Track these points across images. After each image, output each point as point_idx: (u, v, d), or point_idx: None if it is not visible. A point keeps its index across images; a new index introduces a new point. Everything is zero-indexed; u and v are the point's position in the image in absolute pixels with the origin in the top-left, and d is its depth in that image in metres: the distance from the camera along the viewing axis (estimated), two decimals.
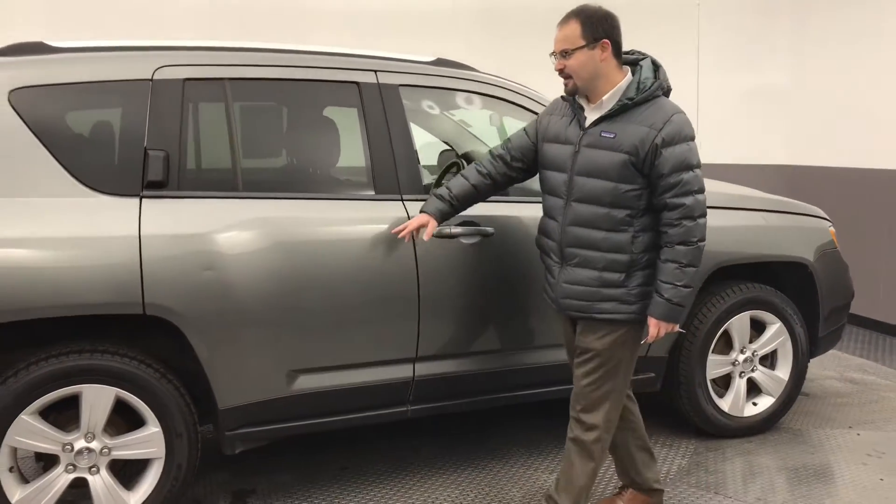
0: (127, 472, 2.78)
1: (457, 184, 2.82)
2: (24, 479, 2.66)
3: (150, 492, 2.72)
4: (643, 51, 2.62)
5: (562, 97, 2.68)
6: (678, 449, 3.65)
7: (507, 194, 3.10)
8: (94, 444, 2.63)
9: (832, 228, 4.01)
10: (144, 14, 5.83)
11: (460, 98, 3.42)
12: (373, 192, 2.97)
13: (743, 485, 3.30)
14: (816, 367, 4.77)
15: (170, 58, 2.79)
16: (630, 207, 2.51)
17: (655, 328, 2.54)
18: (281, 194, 2.89)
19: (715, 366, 3.64)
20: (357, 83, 3.01)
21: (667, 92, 2.57)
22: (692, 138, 2.50)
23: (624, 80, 2.53)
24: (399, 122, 3.04)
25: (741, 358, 3.70)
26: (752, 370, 3.74)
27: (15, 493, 2.56)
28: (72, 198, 2.58)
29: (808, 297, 3.86)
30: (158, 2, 5.93)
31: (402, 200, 2.97)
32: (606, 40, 2.48)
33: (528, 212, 3.09)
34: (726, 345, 3.69)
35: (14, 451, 2.56)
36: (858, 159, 5.83)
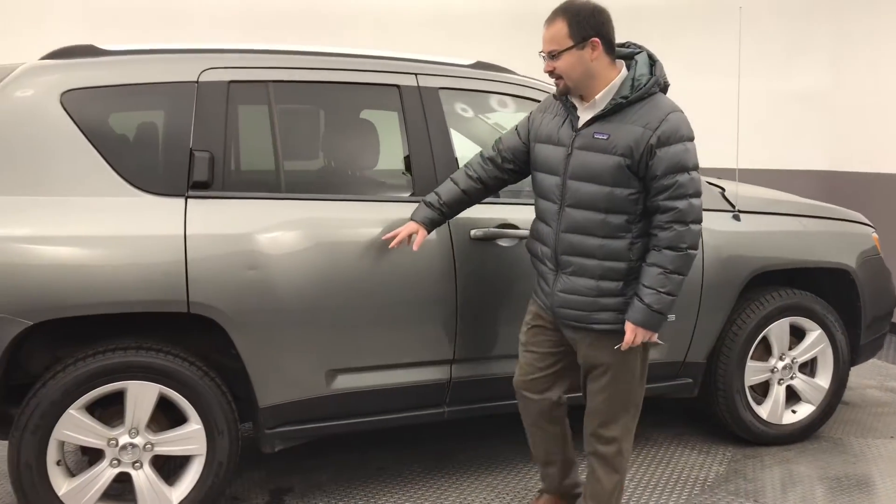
0: (168, 468, 2.82)
1: (446, 189, 2.73)
2: (71, 473, 2.71)
3: (191, 488, 2.75)
4: (640, 43, 2.47)
5: (554, 95, 2.56)
6: (715, 455, 3.61)
7: None
8: (138, 440, 2.68)
9: (875, 234, 3.95)
10: (182, 15, 5.92)
11: (499, 101, 3.43)
12: (412, 195, 2.99)
13: (782, 493, 3.26)
14: (855, 375, 4.69)
15: (215, 60, 2.84)
16: (627, 212, 2.38)
17: (632, 334, 2.40)
18: (323, 195, 2.92)
19: (753, 372, 3.59)
20: (398, 86, 3.03)
21: (664, 88, 2.43)
22: (690, 139, 2.36)
23: (618, 77, 2.39)
24: (438, 124, 3.05)
25: (780, 365, 3.66)
26: (792, 377, 3.69)
27: (62, 485, 2.62)
28: (120, 197, 2.64)
29: (849, 305, 3.80)
30: (194, 5, 6.02)
31: None
32: (596, 38, 2.34)
33: None
34: (765, 351, 3.65)
35: (62, 444, 2.62)
36: None
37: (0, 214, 2.51)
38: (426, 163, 3.00)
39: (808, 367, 3.77)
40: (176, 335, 2.78)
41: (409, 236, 2.72)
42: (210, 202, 2.71)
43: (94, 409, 2.66)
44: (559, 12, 2.37)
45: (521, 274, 3.04)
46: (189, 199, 2.69)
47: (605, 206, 2.39)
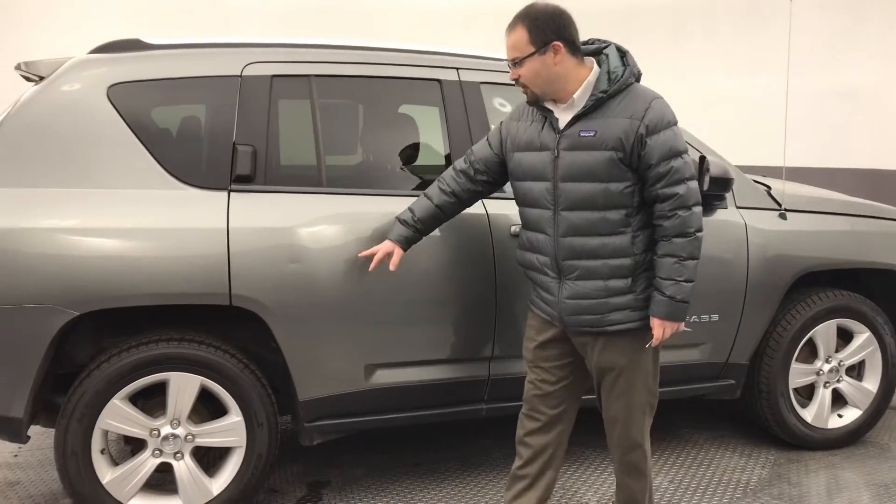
0: (208, 459, 2.85)
1: (420, 206, 2.66)
2: (115, 462, 2.75)
3: (230, 479, 2.78)
4: (606, 38, 2.43)
5: (527, 102, 2.48)
6: (757, 459, 3.54)
7: None
8: (180, 431, 2.71)
9: None
10: (226, 8, 5.98)
11: None
12: None
13: (828, 499, 3.18)
14: None
15: (258, 55, 2.85)
16: (625, 206, 2.34)
17: (660, 329, 2.36)
18: (364, 190, 2.93)
19: (798, 375, 3.52)
20: (439, 80, 3.02)
21: (638, 77, 2.38)
22: (675, 123, 2.33)
23: (591, 73, 2.35)
24: (479, 119, 3.03)
25: (826, 367, 3.57)
26: (838, 381, 3.61)
27: (106, 474, 2.66)
28: (164, 190, 2.66)
29: None
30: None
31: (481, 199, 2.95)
32: (558, 42, 2.29)
33: None
34: (811, 353, 3.57)
35: (105, 434, 2.66)
36: None
37: (48, 206, 2.56)
38: None
39: (856, 371, 3.68)
40: (218, 327, 2.80)
41: (388, 255, 2.66)
42: (252, 196, 2.73)
43: (137, 400, 2.70)
44: (518, 19, 2.34)
45: None
46: (232, 193, 2.71)
47: (603, 203, 2.34)
